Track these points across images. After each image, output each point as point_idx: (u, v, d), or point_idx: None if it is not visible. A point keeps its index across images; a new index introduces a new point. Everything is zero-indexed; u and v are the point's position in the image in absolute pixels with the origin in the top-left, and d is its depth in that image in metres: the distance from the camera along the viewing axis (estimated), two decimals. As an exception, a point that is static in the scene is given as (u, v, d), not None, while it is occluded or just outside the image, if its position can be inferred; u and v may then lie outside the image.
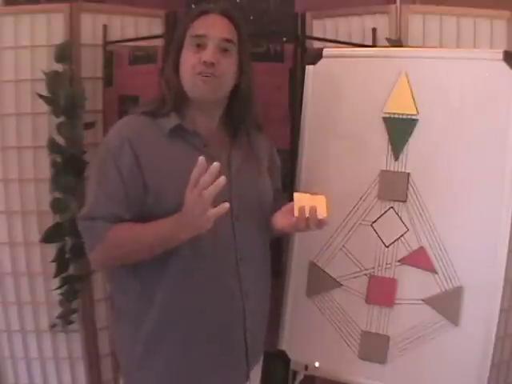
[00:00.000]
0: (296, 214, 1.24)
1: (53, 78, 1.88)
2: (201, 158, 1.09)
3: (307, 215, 1.23)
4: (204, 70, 1.22)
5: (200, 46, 1.24)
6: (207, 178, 1.09)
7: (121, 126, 1.26)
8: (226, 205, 1.10)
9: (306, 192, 1.27)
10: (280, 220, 1.31)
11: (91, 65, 2.01)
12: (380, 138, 1.48)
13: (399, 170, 1.46)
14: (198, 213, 1.11)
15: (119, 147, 1.21)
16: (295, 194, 1.26)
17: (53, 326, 2.02)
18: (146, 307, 1.25)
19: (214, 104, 1.30)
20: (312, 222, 1.24)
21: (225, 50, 1.25)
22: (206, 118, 1.30)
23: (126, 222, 1.22)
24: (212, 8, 1.28)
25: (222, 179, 1.09)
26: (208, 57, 1.22)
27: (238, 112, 1.33)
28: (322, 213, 1.24)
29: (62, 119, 1.90)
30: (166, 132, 1.24)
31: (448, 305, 1.41)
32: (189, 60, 1.25)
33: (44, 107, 1.92)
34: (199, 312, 1.26)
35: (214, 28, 1.25)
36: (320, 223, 1.24)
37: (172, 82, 1.27)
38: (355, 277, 1.51)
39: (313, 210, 1.23)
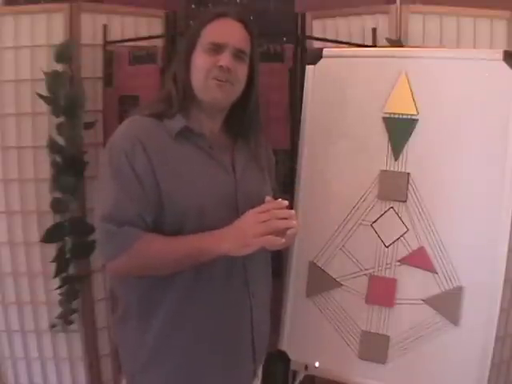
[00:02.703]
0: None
1: (53, 78, 1.88)
2: (284, 202, 1.16)
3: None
4: (220, 74, 1.22)
5: (215, 51, 1.24)
6: (286, 214, 1.15)
7: (129, 127, 1.24)
8: (282, 240, 1.13)
9: None
10: None
11: (91, 65, 2.01)
12: (380, 138, 1.48)
13: (399, 169, 1.46)
14: (252, 233, 1.13)
15: (131, 148, 1.18)
16: None
17: (53, 326, 2.02)
18: (154, 307, 1.24)
19: (222, 108, 1.31)
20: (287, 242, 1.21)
21: (239, 58, 1.25)
22: (211, 120, 1.30)
23: (155, 234, 1.20)
24: (230, 12, 1.28)
25: (295, 223, 1.16)
26: (225, 62, 1.22)
27: (246, 119, 1.33)
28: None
29: (62, 119, 1.91)
30: (173, 134, 1.23)
31: (448, 305, 1.41)
32: (203, 63, 1.24)
33: (44, 107, 1.92)
34: (208, 312, 1.25)
35: (231, 36, 1.25)
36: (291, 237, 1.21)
37: (182, 81, 1.26)
38: (355, 277, 1.51)
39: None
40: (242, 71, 1.27)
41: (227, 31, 1.25)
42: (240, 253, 1.16)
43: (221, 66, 1.22)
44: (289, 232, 1.15)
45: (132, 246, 1.17)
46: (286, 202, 1.17)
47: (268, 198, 1.19)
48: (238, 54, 1.25)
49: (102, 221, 1.18)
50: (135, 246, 1.17)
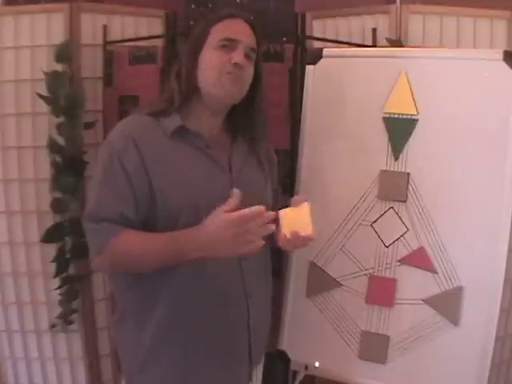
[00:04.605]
0: (282, 237, 1.22)
1: (53, 78, 1.88)
2: (257, 209, 1.08)
3: (289, 237, 1.21)
4: (234, 70, 1.23)
5: (227, 48, 1.24)
6: (259, 222, 1.08)
7: (124, 126, 1.25)
8: (260, 243, 1.09)
9: (289, 206, 1.24)
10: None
11: (91, 65, 2.01)
12: (380, 138, 1.48)
13: (399, 169, 1.46)
14: (226, 247, 1.10)
15: (124, 146, 1.19)
16: (279, 213, 1.21)
17: (53, 326, 2.02)
18: (150, 308, 1.25)
19: (227, 106, 1.31)
20: (298, 243, 1.23)
21: (248, 57, 1.26)
22: (212, 119, 1.30)
23: (134, 230, 1.20)
24: (239, 13, 1.29)
25: (272, 227, 1.10)
26: (239, 59, 1.23)
27: (250, 120, 1.33)
28: (305, 229, 1.20)
29: (61, 119, 1.91)
30: (169, 133, 1.23)
31: (448, 305, 1.41)
32: (216, 60, 1.24)
33: (44, 107, 1.92)
34: (204, 312, 1.25)
35: (243, 34, 1.26)
36: (305, 240, 1.22)
37: (187, 79, 1.26)
38: (355, 277, 1.51)
39: (294, 233, 1.20)
40: (250, 70, 1.28)
41: (239, 29, 1.27)
42: (215, 260, 1.14)
43: (235, 64, 1.23)
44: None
45: (109, 242, 1.17)
46: (261, 208, 1.09)
47: (241, 212, 1.10)
48: (248, 53, 1.26)
49: (84, 219, 1.21)
50: (113, 242, 1.17)
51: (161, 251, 1.17)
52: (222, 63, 1.23)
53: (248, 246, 1.10)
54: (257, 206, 1.09)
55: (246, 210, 1.08)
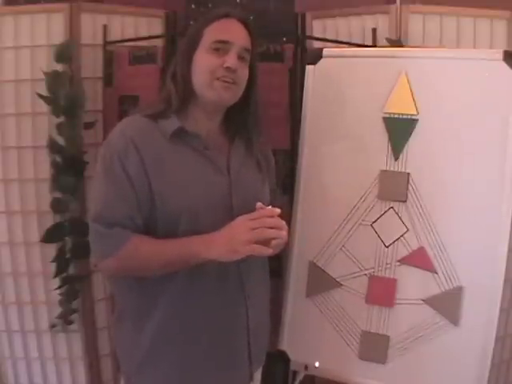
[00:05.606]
0: None
1: (53, 78, 1.88)
2: (276, 210, 1.16)
3: None
4: (226, 75, 1.22)
5: (220, 51, 1.23)
6: (276, 224, 1.15)
7: (123, 127, 1.24)
8: (270, 251, 1.14)
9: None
10: None
11: (91, 65, 2.01)
12: (380, 138, 1.48)
13: (399, 169, 1.46)
14: (241, 240, 1.13)
15: (124, 148, 1.19)
16: None
17: (53, 326, 2.02)
18: (149, 310, 1.24)
19: (222, 108, 1.30)
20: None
21: (242, 58, 1.25)
22: (209, 121, 1.30)
23: (144, 236, 1.20)
24: (233, 13, 1.27)
25: (285, 234, 1.17)
26: (232, 63, 1.22)
27: (245, 120, 1.33)
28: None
29: (61, 119, 1.91)
30: (168, 135, 1.23)
31: (448, 305, 1.41)
32: (208, 63, 1.23)
33: (44, 107, 1.92)
34: (202, 314, 1.25)
35: (237, 35, 1.25)
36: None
37: (182, 81, 1.26)
38: (355, 277, 1.51)
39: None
40: (244, 71, 1.27)
41: (232, 30, 1.25)
42: (228, 259, 1.16)
43: (228, 68, 1.21)
44: (274, 242, 1.15)
45: (121, 247, 1.18)
46: (278, 210, 1.17)
47: (259, 205, 1.18)
48: (242, 54, 1.25)
49: (92, 221, 1.21)
50: (124, 248, 1.18)
51: (175, 254, 1.18)
52: (214, 67, 1.22)
53: (259, 248, 1.13)
54: (270, 207, 1.17)
55: (261, 210, 1.17)
